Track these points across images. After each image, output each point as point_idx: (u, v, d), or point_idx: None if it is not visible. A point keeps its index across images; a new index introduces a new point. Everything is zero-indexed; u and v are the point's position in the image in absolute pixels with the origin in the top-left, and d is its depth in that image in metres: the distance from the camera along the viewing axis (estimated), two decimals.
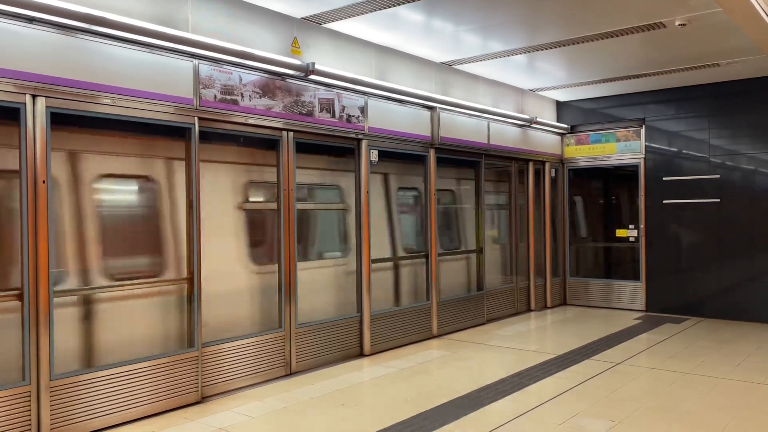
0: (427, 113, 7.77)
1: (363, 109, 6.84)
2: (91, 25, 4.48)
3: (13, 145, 4.25)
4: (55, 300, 4.43)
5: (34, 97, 4.27)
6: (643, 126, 9.83)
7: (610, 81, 9.11)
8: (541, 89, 9.83)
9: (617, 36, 6.84)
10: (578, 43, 7.09)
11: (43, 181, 4.30)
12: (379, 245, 7.40)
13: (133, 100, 4.80)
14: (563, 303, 10.64)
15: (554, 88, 9.68)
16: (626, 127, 10.02)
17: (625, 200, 10.54)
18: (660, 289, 9.67)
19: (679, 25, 6.39)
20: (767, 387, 5.64)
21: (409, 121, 7.50)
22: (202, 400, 5.27)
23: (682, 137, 9.50)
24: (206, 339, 5.39)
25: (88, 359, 4.82)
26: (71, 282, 4.77)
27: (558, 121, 10.63)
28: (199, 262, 5.24)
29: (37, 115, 4.28)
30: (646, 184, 9.77)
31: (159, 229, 5.35)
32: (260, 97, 5.77)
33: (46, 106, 4.32)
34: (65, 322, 4.65)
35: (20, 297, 4.25)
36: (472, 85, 8.67)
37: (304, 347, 6.25)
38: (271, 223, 6.19)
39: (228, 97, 5.49)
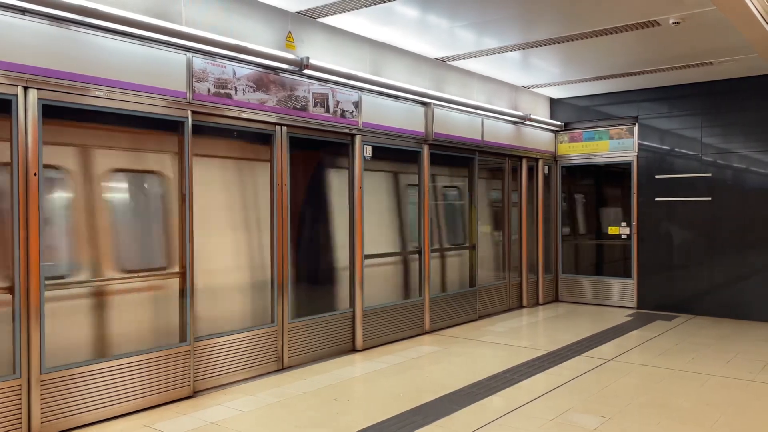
0: (421, 109, 7.77)
1: (357, 105, 6.83)
2: (84, 17, 4.45)
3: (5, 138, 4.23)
4: (46, 294, 4.40)
5: (26, 88, 4.24)
6: (636, 124, 9.87)
7: (604, 78, 9.14)
8: (536, 86, 9.84)
9: (612, 33, 6.85)
10: (573, 40, 7.10)
11: (35, 174, 4.27)
12: (371, 241, 7.39)
13: (126, 93, 4.78)
14: (555, 299, 10.68)
15: (548, 85, 9.70)
16: (619, 125, 10.05)
17: (617, 198, 10.58)
18: (651, 286, 9.72)
19: (673, 23, 6.41)
20: (757, 384, 5.68)
21: (403, 117, 7.50)
22: (194, 394, 5.26)
23: (674, 135, 9.54)
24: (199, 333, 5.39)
25: (80, 353, 4.79)
26: (62, 275, 4.74)
27: (552, 118, 10.66)
28: (191, 256, 5.23)
29: (28, 107, 4.25)
30: (639, 181, 9.81)
31: (151, 222, 5.32)
32: (254, 91, 5.75)
33: (38, 98, 4.29)
34: (55, 315, 4.62)
35: (11, 290, 4.22)
36: (467, 81, 8.67)
37: (296, 342, 6.25)
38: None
39: (222, 91, 5.47)
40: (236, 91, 5.59)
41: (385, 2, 5.86)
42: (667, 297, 9.56)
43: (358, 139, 6.89)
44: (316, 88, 6.36)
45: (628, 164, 9.95)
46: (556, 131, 10.63)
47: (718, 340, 7.57)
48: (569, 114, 10.60)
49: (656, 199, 9.64)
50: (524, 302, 10.03)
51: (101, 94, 4.63)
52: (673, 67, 8.39)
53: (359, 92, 6.86)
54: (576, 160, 10.57)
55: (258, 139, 6.05)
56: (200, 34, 5.17)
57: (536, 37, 7.06)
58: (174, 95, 5.10)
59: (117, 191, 5.31)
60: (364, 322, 6.94)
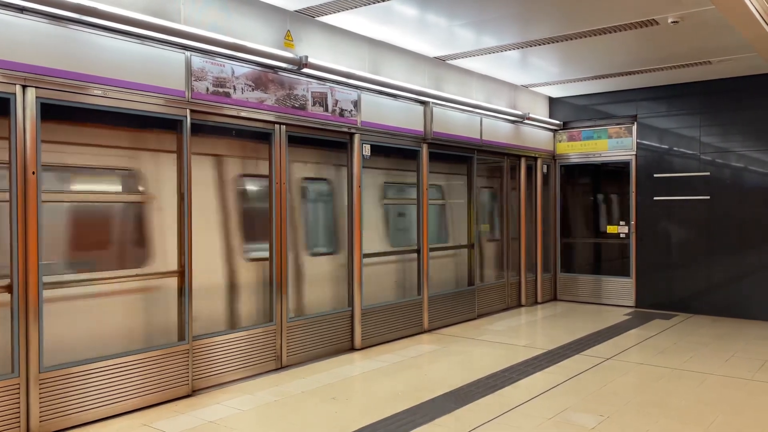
0: (420, 108, 7.76)
1: (356, 103, 6.83)
2: (82, 16, 4.45)
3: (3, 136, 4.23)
4: (45, 292, 4.40)
5: (24, 87, 4.23)
6: (635, 123, 9.87)
7: (603, 77, 9.14)
8: (534, 85, 9.84)
9: (610, 32, 6.85)
10: (571, 39, 7.10)
11: (33, 173, 4.27)
12: (370, 240, 7.40)
13: (125, 92, 4.77)
14: (554, 298, 10.69)
15: (547, 84, 9.70)
16: (618, 124, 10.05)
17: (616, 197, 10.58)
18: (650, 285, 9.72)
19: (672, 22, 6.41)
20: (755, 382, 5.69)
21: (402, 116, 7.49)
22: (193, 393, 5.26)
23: (673, 134, 9.54)
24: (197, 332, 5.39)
25: (78, 352, 4.78)
26: (59, 274, 4.74)
27: (550, 117, 10.66)
28: (190, 254, 5.22)
29: (27, 105, 4.24)
30: (637, 180, 9.81)
31: (150, 221, 5.32)
32: (253, 90, 5.74)
33: (36, 97, 4.28)
34: (54, 314, 4.62)
35: (9, 289, 4.22)
36: (466, 80, 8.67)
37: (295, 341, 6.25)
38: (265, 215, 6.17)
39: (220, 90, 5.46)
40: (235, 89, 5.59)
41: (383, 1, 5.86)
42: (666, 296, 9.56)
43: (357, 138, 6.88)
44: (315, 87, 6.36)
45: (627, 163, 9.96)
46: (555, 130, 10.63)
47: (717, 338, 7.58)
48: (568, 113, 10.60)
49: (655, 198, 9.65)
50: (523, 301, 10.04)
51: (99, 92, 4.62)
52: (671, 66, 8.39)
53: (358, 91, 6.85)
54: (575, 159, 10.57)
55: (257, 137, 6.05)
56: (199, 32, 5.16)
57: (535, 35, 7.05)
58: (172, 94, 5.09)
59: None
60: (362, 320, 6.93)
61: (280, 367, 6.09)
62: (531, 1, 5.98)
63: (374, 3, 5.91)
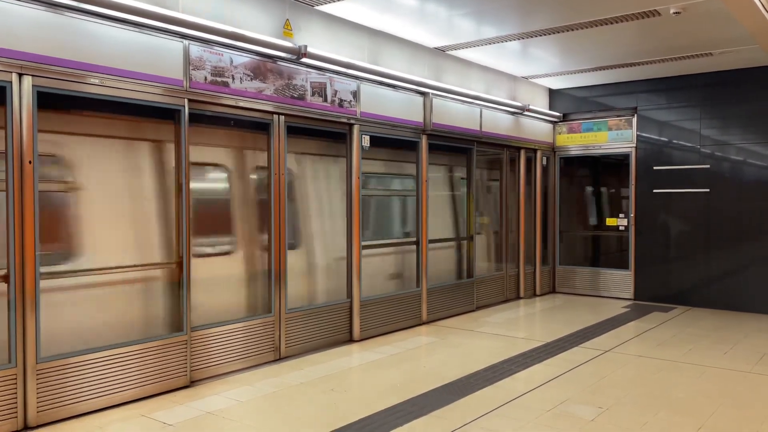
0: (419, 99, 7.72)
1: (355, 94, 6.78)
2: (79, 3, 4.40)
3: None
4: (42, 282, 4.37)
5: (20, 75, 4.19)
6: (635, 115, 9.84)
7: (603, 69, 9.10)
8: (534, 76, 9.80)
9: (611, 23, 6.81)
10: (572, 29, 7.06)
11: (30, 162, 4.23)
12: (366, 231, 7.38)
13: (122, 81, 4.73)
14: (552, 291, 10.69)
15: (547, 75, 9.65)
16: (618, 116, 10.02)
17: (615, 189, 10.56)
18: (649, 277, 9.72)
19: (674, 13, 6.37)
20: (754, 375, 5.69)
21: (402, 107, 7.45)
22: (191, 384, 5.25)
23: (673, 127, 9.51)
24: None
25: (76, 342, 4.77)
26: (57, 264, 4.71)
27: (550, 109, 10.62)
28: (188, 245, 5.20)
29: (23, 94, 4.20)
30: (637, 173, 9.79)
31: (147, 212, 5.29)
32: (251, 79, 5.70)
33: (33, 85, 4.24)
34: (51, 304, 4.59)
35: (6, 279, 4.19)
36: (465, 71, 8.62)
37: (294, 332, 6.24)
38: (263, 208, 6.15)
39: (219, 79, 5.42)
40: (233, 79, 5.54)
41: None
42: (664, 288, 9.56)
43: (356, 129, 6.85)
44: (314, 77, 6.31)
45: (627, 155, 9.93)
46: (555, 122, 10.60)
47: (715, 331, 7.58)
48: (568, 105, 10.56)
49: (654, 191, 9.63)
50: (521, 293, 10.03)
51: (97, 81, 4.58)
52: (672, 57, 8.35)
53: (357, 81, 6.81)
54: (574, 151, 10.55)
55: (255, 127, 6.01)
56: (197, 21, 5.11)
57: (535, 26, 7.01)
58: (170, 83, 5.05)
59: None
60: (361, 312, 6.92)
61: (279, 359, 6.08)
62: None
63: None
